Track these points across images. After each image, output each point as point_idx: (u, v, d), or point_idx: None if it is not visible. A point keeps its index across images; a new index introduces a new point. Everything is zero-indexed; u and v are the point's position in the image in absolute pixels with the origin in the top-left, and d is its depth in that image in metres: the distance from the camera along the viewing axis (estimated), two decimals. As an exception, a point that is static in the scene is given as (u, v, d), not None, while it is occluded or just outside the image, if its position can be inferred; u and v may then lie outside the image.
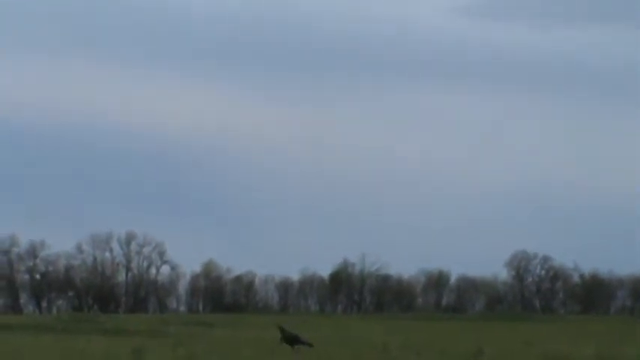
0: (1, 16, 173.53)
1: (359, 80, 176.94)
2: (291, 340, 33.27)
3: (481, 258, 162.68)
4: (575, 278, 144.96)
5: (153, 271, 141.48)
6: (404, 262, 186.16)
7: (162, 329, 61.88)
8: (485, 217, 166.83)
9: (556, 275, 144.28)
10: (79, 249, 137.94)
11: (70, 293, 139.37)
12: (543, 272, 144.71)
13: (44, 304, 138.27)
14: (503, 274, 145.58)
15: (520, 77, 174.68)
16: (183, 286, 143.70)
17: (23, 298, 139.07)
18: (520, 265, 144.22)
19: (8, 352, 33.30)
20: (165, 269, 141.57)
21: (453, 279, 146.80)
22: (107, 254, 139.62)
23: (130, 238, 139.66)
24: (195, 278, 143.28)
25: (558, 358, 30.97)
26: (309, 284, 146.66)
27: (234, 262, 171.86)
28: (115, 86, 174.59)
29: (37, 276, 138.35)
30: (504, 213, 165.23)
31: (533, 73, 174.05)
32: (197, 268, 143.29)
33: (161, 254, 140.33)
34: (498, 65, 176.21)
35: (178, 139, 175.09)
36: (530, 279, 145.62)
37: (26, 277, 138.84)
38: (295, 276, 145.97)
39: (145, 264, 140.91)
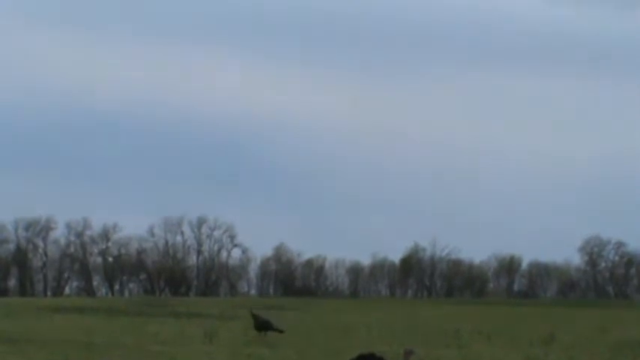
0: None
1: (431, 67, 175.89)
2: (263, 326, 33.11)
3: (553, 244, 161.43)
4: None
5: (224, 254, 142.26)
6: (475, 247, 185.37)
7: (234, 313, 62.13)
8: (557, 202, 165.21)
9: (630, 261, 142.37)
10: (151, 232, 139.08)
11: (142, 276, 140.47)
12: (617, 258, 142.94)
13: (116, 286, 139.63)
14: (576, 260, 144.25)
15: (599, 61, 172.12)
16: (253, 270, 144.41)
17: (96, 281, 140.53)
18: (593, 250, 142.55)
19: (82, 334, 33.57)
20: (236, 253, 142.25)
21: (524, 264, 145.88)
22: (179, 238, 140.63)
23: (201, 222, 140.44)
24: (265, 262, 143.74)
25: (634, 345, 30.41)
26: (379, 269, 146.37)
27: (305, 246, 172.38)
28: (179, 68, 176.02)
29: (110, 259, 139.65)
30: (577, 198, 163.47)
31: (615, 58, 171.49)
32: (268, 252, 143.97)
33: (232, 238, 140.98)
34: (581, 48, 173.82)
35: (249, 123, 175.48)
36: (603, 265, 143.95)
37: (99, 259, 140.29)
38: (366, 260, 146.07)
39: (216, 247, 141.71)
